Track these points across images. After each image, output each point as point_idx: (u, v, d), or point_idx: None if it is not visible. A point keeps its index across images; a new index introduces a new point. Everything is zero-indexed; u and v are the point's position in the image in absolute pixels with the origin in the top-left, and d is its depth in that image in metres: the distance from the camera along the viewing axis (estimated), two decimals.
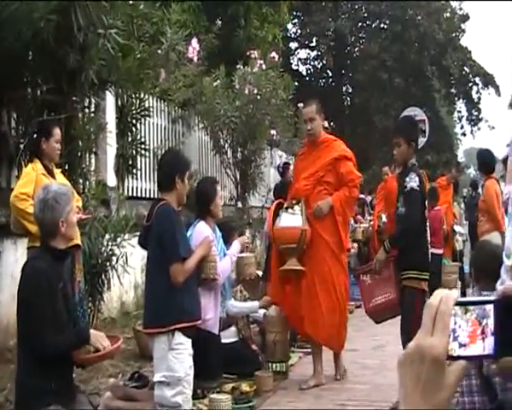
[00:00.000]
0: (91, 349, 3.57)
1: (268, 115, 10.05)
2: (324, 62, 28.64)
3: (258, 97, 9.75)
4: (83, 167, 5.92)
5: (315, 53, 29.43)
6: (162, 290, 4.22)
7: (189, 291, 4.30)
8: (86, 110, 6.31)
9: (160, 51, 6.14)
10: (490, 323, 0.91)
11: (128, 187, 8.95)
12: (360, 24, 28.43)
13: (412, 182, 5.12)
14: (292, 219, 5.80)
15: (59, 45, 5.31)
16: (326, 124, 15.86)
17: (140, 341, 6.44)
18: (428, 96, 26.30)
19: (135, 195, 9.14)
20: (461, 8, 28.66)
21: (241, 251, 5.89)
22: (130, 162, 8.67)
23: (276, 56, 10.15)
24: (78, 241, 5.37)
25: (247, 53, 10.06)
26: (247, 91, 9.67)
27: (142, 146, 8.71)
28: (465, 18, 28.23)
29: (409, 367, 0.91)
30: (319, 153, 6.01)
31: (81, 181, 6.11)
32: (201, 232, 5.18)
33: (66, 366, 3.58)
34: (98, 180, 8.47)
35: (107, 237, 6.41)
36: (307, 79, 29.66)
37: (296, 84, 27.60)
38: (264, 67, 9.79)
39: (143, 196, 9.42)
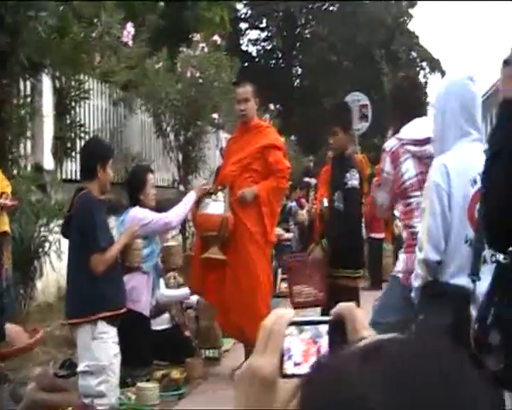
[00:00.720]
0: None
1: (211, 98, 9.98)
2: (274, 44, 28.58)
3: (201, 80, 9.67)
4: (13, 152, 5.80)
5: (265, 34, 29.35)
6: (84, 280, 4.18)
7: (111, 280, 4.25)
8: (21, 94, 6.17)
9: (93, 35, 6.04)
10: (324, 342, 0.94)
11: (67, 170, 8.83)
12: (310, 5, 28.43)
13: (353, 180, 4.96)
14: (214, 206, 5.62)
15: None
16: (272, 107, 15.80)
17: None
18: (377, 80, 26.53)
19: (74, 178, 9.01)
20: None
21: (201, 196, 5.63)
22: (69, 145, 8.56)
23: (219, 39, 10.07)
24: (6, 227, 5.29)
25: (190, 36, 9.94)
26: (189, 74, 9.58)
27: (82, 128, 8.61)
28: (413, 3, 28.51)
29: (240, 388, 0.93)
30: (249, 138, 5.82)
31: (12, 166, 5.99)
32: (133, 218, 5.15)
33: None
34: (35, 164, 8.37)
35: (40, 222, 6.32)
36: (257, 60, 29.64)
37: (246, 65, 27.70)
38: (206, 49, 9.70)
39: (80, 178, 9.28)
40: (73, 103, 8.36)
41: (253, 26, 29.32)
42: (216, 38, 10.00)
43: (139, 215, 5.20)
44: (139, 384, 4.94)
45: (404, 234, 3.95)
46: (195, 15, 15.04)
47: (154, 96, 9.83)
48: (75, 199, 4.27)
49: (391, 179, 3.92)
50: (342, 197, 4.98)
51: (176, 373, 5.27)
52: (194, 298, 6.24)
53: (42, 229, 6.34)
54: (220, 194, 5.66)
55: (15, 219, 5.71)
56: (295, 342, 0.95)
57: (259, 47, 29.95)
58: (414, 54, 29.23)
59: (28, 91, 6.76)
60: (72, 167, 8.94)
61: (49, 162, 8.38)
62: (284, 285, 8.47)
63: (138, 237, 4.91)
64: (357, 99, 13.93)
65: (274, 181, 5.69)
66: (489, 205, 1.78)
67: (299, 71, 30.32)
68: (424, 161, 3.81)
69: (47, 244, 6.39)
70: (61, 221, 6.66)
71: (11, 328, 3.61)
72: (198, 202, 5.64)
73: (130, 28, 6.07)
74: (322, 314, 4.98)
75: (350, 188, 4.95)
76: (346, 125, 5.19)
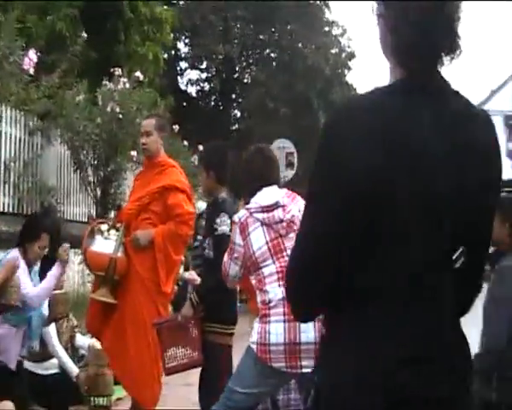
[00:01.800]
0: None
1: (131, 135, 9.74)
2: (213, 85, 28.63)
3: (121, 116, 9.45)
4: None
5: (205, 75, 29.39)
6: None
7: None
8: None
9: None
10: None
11: None
12: (250, 51, 28.66)
13: (224, 225, 4.45)
14: (103, 245, 5.22)
15: None
16: (201, 148, 15.64)
17: None
18: (314, 128, 26.74)
19: None
20: (349, 46, 29.47)
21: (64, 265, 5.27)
22: None
23: (141, 76, 9.89)
24: None
25: (111, 70, 9.74)
26: (109, 109, 9.36)
27: None
28: (352, 55, 29.03)
29: None
30: (152, 177, 5.45)
31: None
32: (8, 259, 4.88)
33: None
34: None
35: None
36: (197, 100, 29.59)
37: (184, 104, 27.60)
38: (128, 85, 9.51)
39: None
40: None
41: (193, 66, 29.33)
42: (138, 73, 9.81)
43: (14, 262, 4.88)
44: None
45: (259, 304, 3.80)
46: (128, 50, 14.85)
47: (71, 128, 9.56)
48: None
49: (242, 252, 3.85)
50: (212, 245, 4.53)
51: None
52: (86, 342, 5.93)
53: None
54: (113, 232, 5.28)
55: None
56: None
57: (199, 87, 29.97)
58: None
59: None
60: None
61: None
62: None
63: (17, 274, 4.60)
64: (283, 146, 13.92)
65: (172, 225, 5.26)
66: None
67: (238, 114, 30.41)
68: (274, 226, 3.79)
69: None
70: None
71: None
72: (90, 237, 5.28)
73: (32, 55, 5.80)
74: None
75: (220, 234, 4.45)
76: (208, 166, 4.74)
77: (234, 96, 29.48)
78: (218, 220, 4.48)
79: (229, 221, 4.37)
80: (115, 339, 5.24)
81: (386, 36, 1.58)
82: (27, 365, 5.45)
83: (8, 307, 4.50)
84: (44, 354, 5.59)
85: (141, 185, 5.52)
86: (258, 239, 3.78)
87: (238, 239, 3.85)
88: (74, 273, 10.25)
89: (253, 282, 3.86)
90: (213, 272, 4.28)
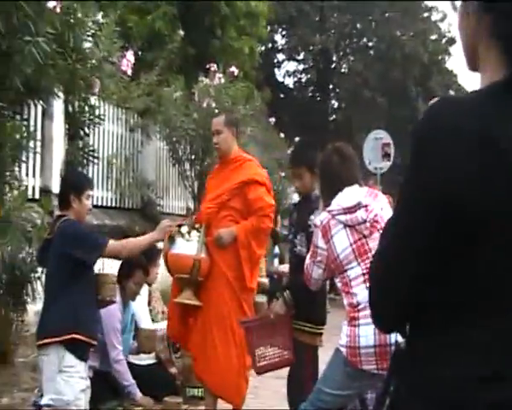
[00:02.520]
0: None
1: None
2: (310, 76, 28.58)
3: (216, 111, 9.60)
4: (6, 175, 5.77)
5: (302, 66, 29.39)
6: (61, 303, 4.11)
7: (88, 306, 4.22)
8: (18, 117, 6.18)
9: (93, 62, 6.02)
10: None
11: None
12: (347, 41, 28.41)
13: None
14: (186, 246, 5.05)
15: None
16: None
17: None
18: (412, 117, 26.25)
19: None
20: (449, 31, 28.70)
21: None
22: (79, 169, 8.54)
23: (236, 70, 10.01)
24: None
25: (207, 66, 9.92)
26: (205, 104, 9.54)
27: (93, 153, 8.59)
28: (452, 41, 28.23)
29: None
30: (228, 173, 5.26)
31: (7, 189, 5.95)
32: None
33: None
34: (43, 186, 8.37)
35: (33, 246, 6.25)
36: (294, 92, 29.64)
37: (282, 96, 27.69)
38: (223, 80, 9.67)
39: (94, 203, 9.29)
40: (86, 128, 8.35)
41: (290, 58, 29.39)
42: (233, 68, 9.94)
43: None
44: None
45: (346, 307, 3.72)
46: (224, 45, 15.06)
47: (169, 124, 9.83)
48: (56, 224, 4.23)
49: (325, 255, 3.78)
50: (305, 239, 4.40)
51: None
52: None
53: (35, 253, 6.27)
54: (194, 233, 5.13)
55: (4, 242, 5.64)
56: None
57: (296, 79, 29.99)
58: (452, 93, 28.89)
59: (25, 116, 6.77)
60: None
61: (57, 186, 8.36)
62: None
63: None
64: (379, 137, 13.73)
65: (254, 221, 5.10)
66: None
67: (335, 105, 30.24)
68: (357, 227, 3.70)
69: (39, 269, 6.32)
70: None
71: None
72: (170, 241, 5.10)
73: (130, 57, 6.02)
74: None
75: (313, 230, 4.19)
76: (311, 165, 4.53)
77: (331, 86, 29.33)
78: (312, 217, 4.32)
79: None
80: (202, 342, 5.13)
81: (488, 26, 1.47)
82: None
83: (105, 303, 4.69)
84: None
85: (217, 183, 5.34)
86: (342, 242, 3.70)
87: (321, 243, 3.78)
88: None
89: (339, 285, 3.79)
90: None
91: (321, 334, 4.60)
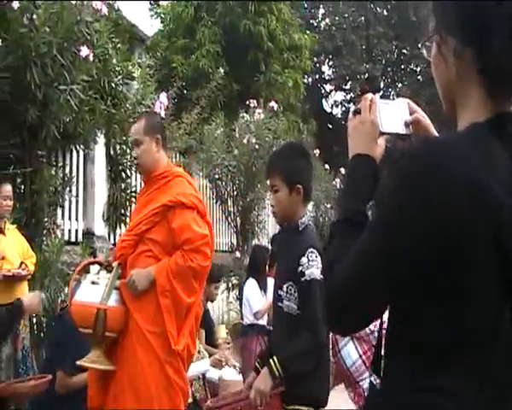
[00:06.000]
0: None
1: None
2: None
3: (257, 146, 9.67)
4: (45, 221, 5.91)
5: (349, 95, 29.37)
6: None
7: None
8: (54, 163, 6.36)
9: (128, 106, 6.14)
10: None
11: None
12: (394, 67, 28.30)
13: (313, 267, 3.07)
14: (90, 292, 3.78)
15: (17, 101, 5.35)
16: (343, 170, 15.52)
17: None
18: None
19: None
20: None
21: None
22: (122, 211, 8.66)
23: (276, 105, 10.07)
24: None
25: (248, 102, 10.01)
26: (245, 141, 9.61)
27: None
28: None
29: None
30: (153, 195, 4.01)
31: (46, 234, 6.09)
32: None
33: None
34: (86, 229, 8.53)
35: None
36: (342, 121, 29.58)
37: (330, 126, 27.67)
38: (262, 116, 9.73)
39: None
40: (127, 170, 8.49)
41: (337, 88, 29.40)
42: (273, 103, 10.00)
43: None
44: None
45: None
46: (268, 79, 15.18)
47: (211, 161, 9.93)
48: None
49: (334, 367, 3.54)
50: (297, 293, 3.13)
51: None
52: (217, 374, 6.03)
53: None
54: (102, 273, 3.89)
55: (43, 286, 5.76)
56: None
57: (344, 108, 29.96)
58: None
59: (62, 162, 6.97)
60: None
61: (99, 228, 8.51)
62: None
63: None
64: None
65: (179, 258, 3.80)
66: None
67: None
68: (366, 338, 3.53)
69: None
70: None
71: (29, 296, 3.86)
72: (76, 285, 3.91)
73: (163, 99, 6.11)
74: None
75: (308, 280, 3.07)
76: (287, 174, 3.20)
77: None
78: (303, 260, 3.09)
79: (319, 259, 3.06)
80: None
81: (469, 62, 1.41)
82: None
83: None
84: None
85: (139, 209, 4.13)
86: (351, 354, 3.53)
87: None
88: (219, 301, 10.56)
89: (351, 395, 3.56)
90: (298, 332, 3.08)
91: None
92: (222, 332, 7.50)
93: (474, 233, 1.32)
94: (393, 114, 1.65)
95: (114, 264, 3.90)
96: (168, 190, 3.94)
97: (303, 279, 3.06)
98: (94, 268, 3.96)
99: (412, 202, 1.34)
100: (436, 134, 1.73)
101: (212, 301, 6.76)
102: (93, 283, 3.82)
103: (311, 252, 3.08)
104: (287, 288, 3.15)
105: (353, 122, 1.63)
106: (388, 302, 1.44)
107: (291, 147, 3.71)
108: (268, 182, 3.35)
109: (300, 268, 3.07)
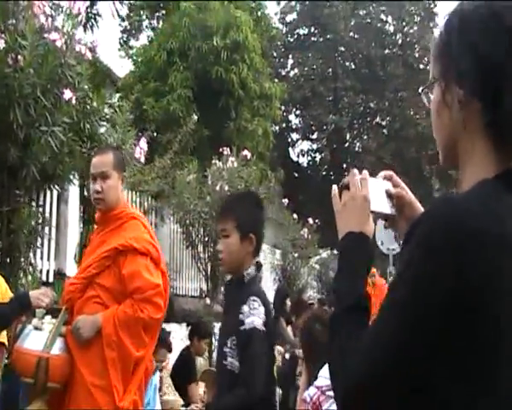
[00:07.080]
0: None
1: None
2: (323, 156, 28.94)
3: (229, 194, 9.72)
4: (21, 261, 5.84)
5: (315, 145, 29.79)
6: None
7: None
8: (33, 203, 6.30)
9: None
10: None
11: None
12: (360, 120, 28.83)
13: (254, 316, 2.90)
14: (33, 338, 3.52)
15: None
16: (311, 221, 15.58)
17: None
18: (427, 196, 26.32)
19: None
20: None
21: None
22: None
23: (249, 154, 10.16)
24: (3, 339, 5.26)
25: (220, 149, 10.09)
26: (218, 187, 9.66)
27: None
28: None
29: None
30: (105, 236, 3.77)
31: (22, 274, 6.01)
32: None
33: None
34: (58, 269, 8.44)
35: None
36: (308, 171, 29.91)
37: (296, 175, 27.95)
38: (235, 164, 9.81)
39: None
40: None
41: (304, 137, 29.80)
42: (246, 152, 10.09)
43: None
44: None
45: None
46: (238, 126, 15.33)
47: (183, 206, 9.94)
48: None
49: None
50: (236, 346, 2.92)
51: None
52: None
53: None
54: (47, 319, 3.63)
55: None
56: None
57: (310, 158, 30.34)
58: None
59: (41, 202, 6.92)
60: None
61: (71, 269, 8.43)
62: None
63: None
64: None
65: (129, 307, 3.57)
66: None
67: None
68: None
69: None
70: None
71: (34, 293, 3.52)
72: (20, 330, 3.78)
73: (143, 145, 6.16)
74: None
75: (248, 330, 2.88)
76: (241, 222, 3.06)
77: (344, 165, 29.60)
78: (244, 308, 2.92)
79: (262, 309, 2.93)
80: None
81: (475, 114, 1.33)
82: None
83: None
84: None
85: (91, 250, 3.87)
86: None
87: None
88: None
89: None
90: (244, 395, 2.84)
91: None
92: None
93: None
94: (380, 192, 1.59)
95: (63, 309, 3.65)
96: (122, 233, 3.71)
97: (242, 328, 2.89)
98: (39, 312, 3.65)
99: (446, 276, 1.21)
100: (421, 208, 1.59)
101: (200, 356, 7.03)
102: (36, 328, 3.56)
103: (254, 300, 2.94)
104: (230, 343, 2.94)
105: (343, 198, 1.55)
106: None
107: (248, 195, 3.73)
108: (219, 226, 3.21)
109: (240, 316, 2.91)
